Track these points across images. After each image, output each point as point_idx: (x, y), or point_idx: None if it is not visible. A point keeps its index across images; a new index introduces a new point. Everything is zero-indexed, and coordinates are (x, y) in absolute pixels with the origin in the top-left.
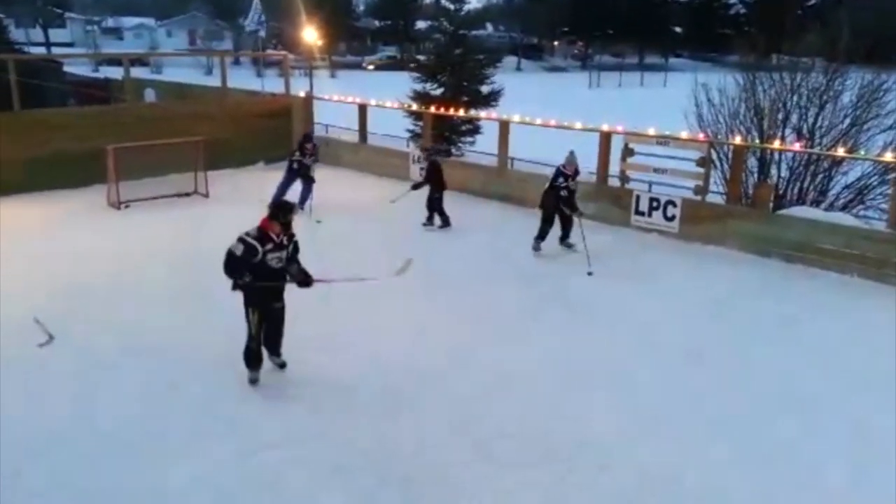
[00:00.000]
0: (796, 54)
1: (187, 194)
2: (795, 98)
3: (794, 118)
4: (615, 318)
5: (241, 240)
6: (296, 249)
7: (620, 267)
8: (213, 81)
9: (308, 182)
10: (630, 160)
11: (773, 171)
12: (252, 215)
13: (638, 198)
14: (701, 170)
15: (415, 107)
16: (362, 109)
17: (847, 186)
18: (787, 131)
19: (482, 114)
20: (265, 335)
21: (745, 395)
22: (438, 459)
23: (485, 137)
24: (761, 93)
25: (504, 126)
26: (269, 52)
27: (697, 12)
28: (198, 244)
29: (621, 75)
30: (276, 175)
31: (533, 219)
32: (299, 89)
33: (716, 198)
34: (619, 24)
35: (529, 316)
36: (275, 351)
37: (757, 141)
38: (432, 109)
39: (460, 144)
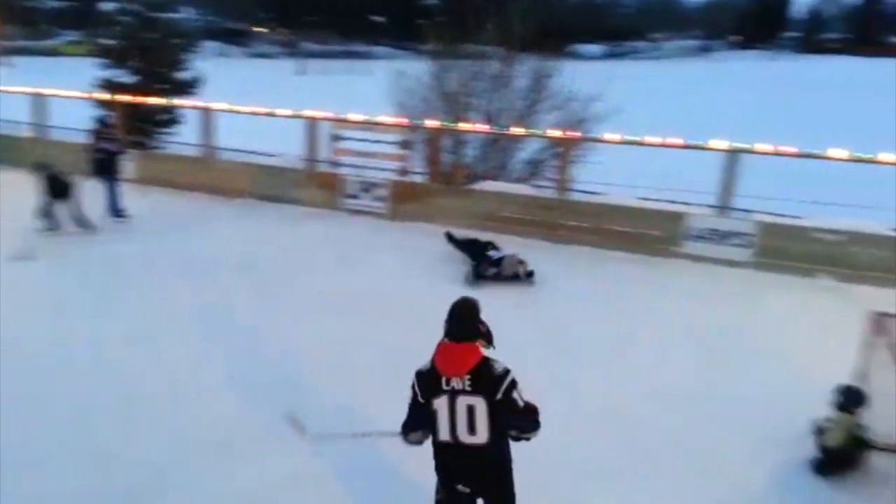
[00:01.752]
0: (479, 43)
1: None
2: (478, 83)
3: (478, 102)
4: (313, 294)
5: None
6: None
7: (327, 251)
8: None
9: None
10: (337, 145)
11: (466, 150)
12: None
13: (347, 182)
14: (404, 152)
15: (102, 96)
16: (38, 100)
17: (525, 161)
18: (474, 114)
19: (181, 102)
20: None
21: None
22: None
23: (187, 127)
24: (450, 79)
25: (207, 114)
26: None
27: (396, 3)
28: None
29: (327, 63)
30: None
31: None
32: None
33: (420, 178)
34: (322, 12)
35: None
36: None
37: (449, 123)
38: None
39: (158, 136)
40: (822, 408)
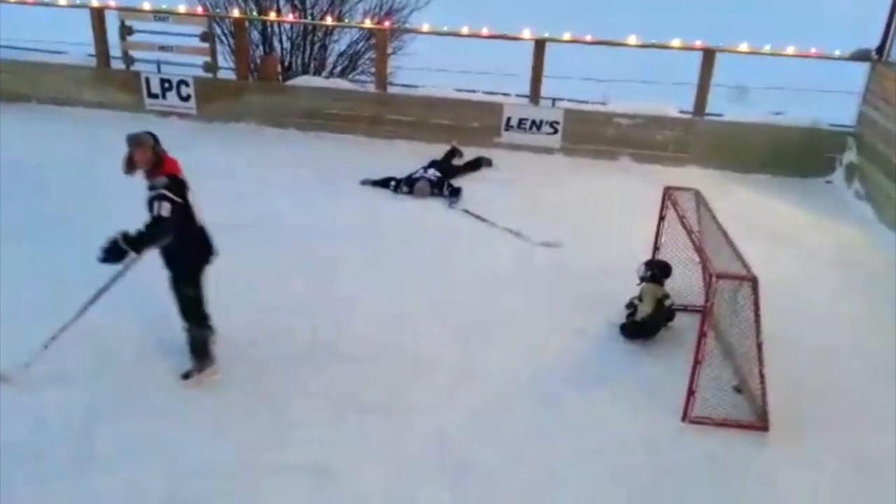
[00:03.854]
0: None
1: None
2: None
3: None
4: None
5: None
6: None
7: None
8: None
9: None
10: (130, 38)
11: (276, 43)
12: None
13: (148, 80)
14: (206, 45)
15: None
16: None
17: (341, 54)
18: (282, 3)
19: None
20: None
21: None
22: None
23: None
24: None
25: None
26: None
27: None
28: None
29: None
30: None
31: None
32: None
33: (228, 74)
34: None
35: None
36: None
37: (255, 13)
38: None
39: None
40: (632, 277)
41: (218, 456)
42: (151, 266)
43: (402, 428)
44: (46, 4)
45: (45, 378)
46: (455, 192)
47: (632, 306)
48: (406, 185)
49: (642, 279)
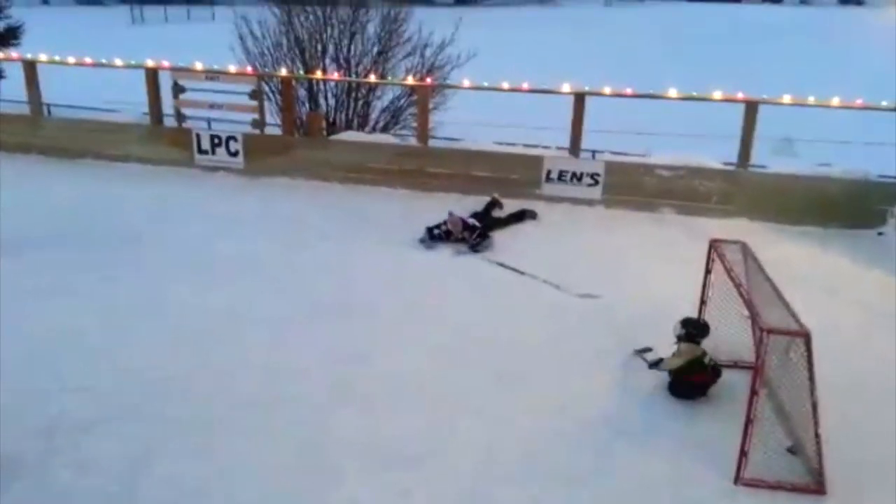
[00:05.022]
0: None
1: None
2: (329, 30)
3: (330, 49)
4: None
5: None
6: None
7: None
8: None
9: None
10: (183, 97)
11: (321, 100)
12: None
13: (198, 136)
14: (255, 103)
15: None
16: None
17: (383, 110)
18: (328, 62)
19: None
20: None
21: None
22: None
23: (10, 83)
24: (299, 26)
25: (30, 68)
26: None
27: None
28: None
29: (166, 9)
30: None
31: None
32: None
33: (274, 130)
34: None
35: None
36: None
37: (301, 72)
38: None
39: None
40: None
41: None
42: None
43: (436, 476)
44: (104, 66)
45: None
46: (482, 237)
47: (644, 351)
48: (443, 231)
49: (678, 338)
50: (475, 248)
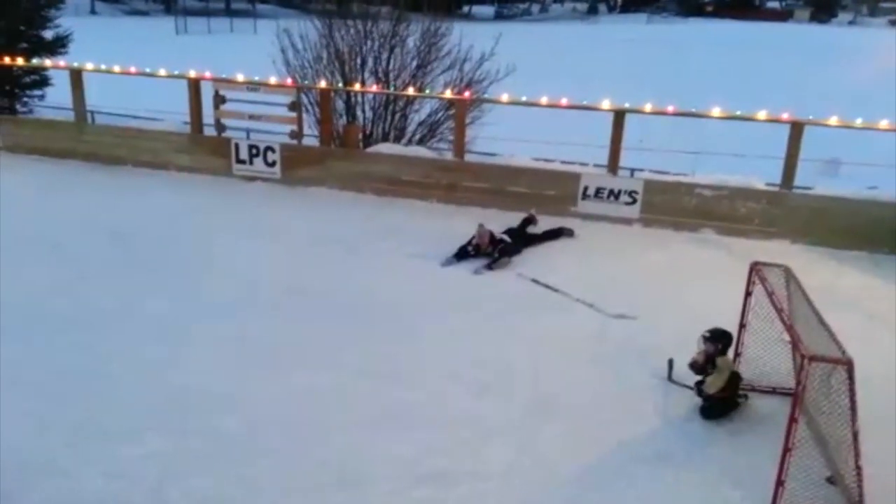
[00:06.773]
0: (366, 2)
1: None
2: (369, 43)
3: (370, 62)
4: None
5: None
6: None
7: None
8: None
9: None
10: (223, 107)
11: (359, 112)
12: None
13: (237, 146)
14: (294, 114)
15: None
16: None
17: (420, 123)
18: (366, 75)
19: (47, 62)
20: None
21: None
22: None
23: (57, 90)
24: (339, 39)
25: (76, 75)
26: None
27: None
28: None
29: (210, 21)
30: None
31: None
32: None
33: (311, 141)
34: None
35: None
36: None
37: (340, 84)
38: None
39: (26, 99)
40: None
41: None
42: None
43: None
44: (148, 75)
45: None
46: (505, 253)
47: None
48: (473, 245)
49: (709, 355)
50: (490, 266)
